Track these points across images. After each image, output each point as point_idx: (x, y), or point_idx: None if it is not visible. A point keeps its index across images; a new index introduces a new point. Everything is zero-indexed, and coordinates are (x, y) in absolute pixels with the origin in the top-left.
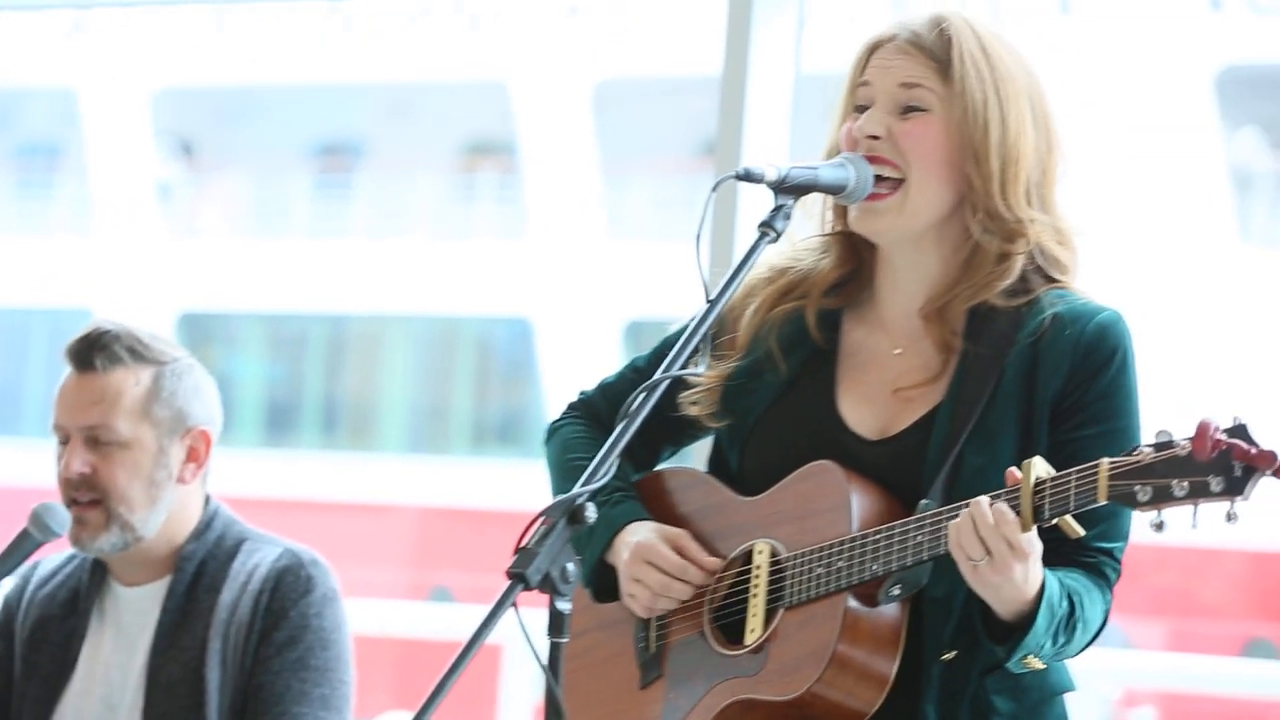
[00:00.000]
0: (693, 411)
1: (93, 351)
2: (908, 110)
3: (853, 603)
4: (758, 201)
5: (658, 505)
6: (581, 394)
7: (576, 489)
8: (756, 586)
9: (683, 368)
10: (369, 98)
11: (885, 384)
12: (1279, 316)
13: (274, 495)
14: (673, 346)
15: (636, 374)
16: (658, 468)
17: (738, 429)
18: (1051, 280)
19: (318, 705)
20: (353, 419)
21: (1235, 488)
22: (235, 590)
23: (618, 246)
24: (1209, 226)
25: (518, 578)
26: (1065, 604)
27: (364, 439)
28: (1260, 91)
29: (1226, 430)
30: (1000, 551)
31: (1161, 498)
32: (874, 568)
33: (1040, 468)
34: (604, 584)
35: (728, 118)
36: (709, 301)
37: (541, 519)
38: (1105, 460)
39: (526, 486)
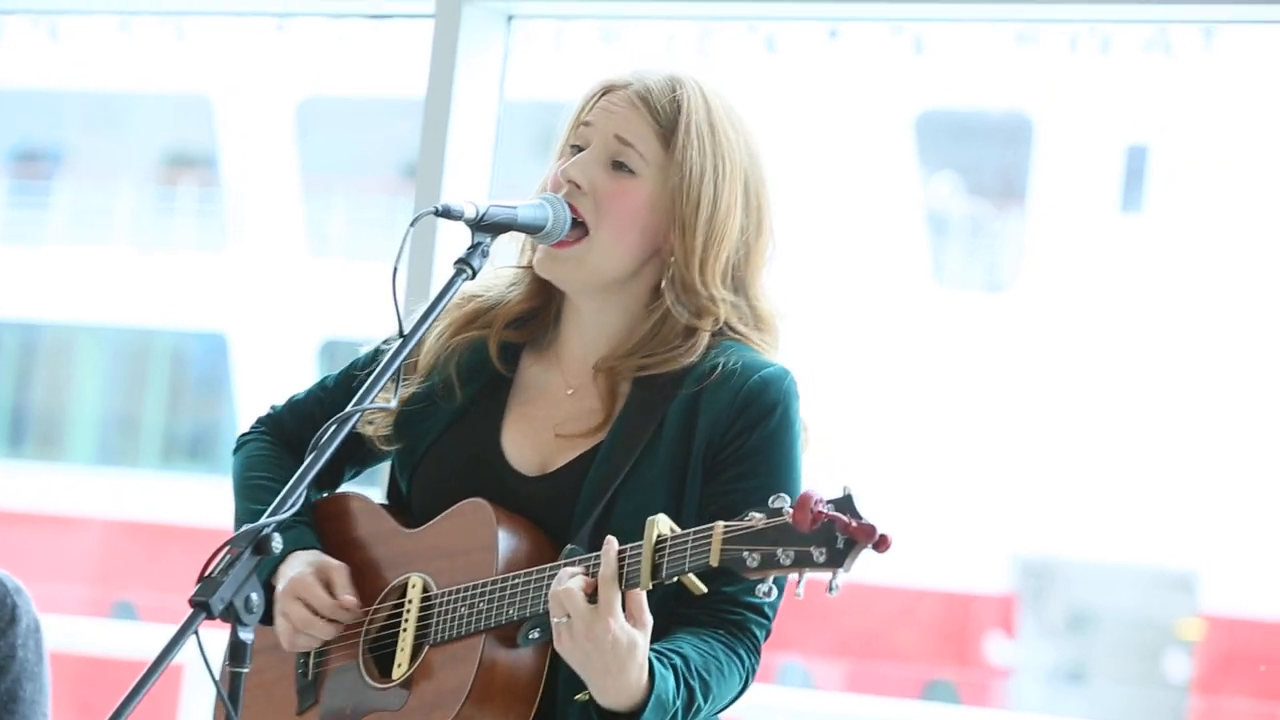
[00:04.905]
0: (367, 432)
1: None
2: (617, 166)
3: (491, 645)
4: (457, 236)
5: (332, 529)
6: (271, 409)
7: (264, 520)
8: (407, 621)
9: (374, 401)
10: (70, 105)
11: (550, 423)
12: (969, 357)
13: None
14: (362, 369)
15: (325, 392)
16: (341, 488)
17: (409, 455)
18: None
19: None
20: (41, 429)
21: (837, 560)
22: None
23: (316, 264)
24: (904, 267)
25: (201, 606)
26: (684, 693)
27: (52, 449)
28: (957, 137)
29: (831, 502)
30: (580, 616)
31: (768, 565)
32: (510, 612)
33: (664, 525)
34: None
35: (430, 142)
36: (402, 336)
37: (227, 548)
38: (720, 524)
39: (215, 503)
